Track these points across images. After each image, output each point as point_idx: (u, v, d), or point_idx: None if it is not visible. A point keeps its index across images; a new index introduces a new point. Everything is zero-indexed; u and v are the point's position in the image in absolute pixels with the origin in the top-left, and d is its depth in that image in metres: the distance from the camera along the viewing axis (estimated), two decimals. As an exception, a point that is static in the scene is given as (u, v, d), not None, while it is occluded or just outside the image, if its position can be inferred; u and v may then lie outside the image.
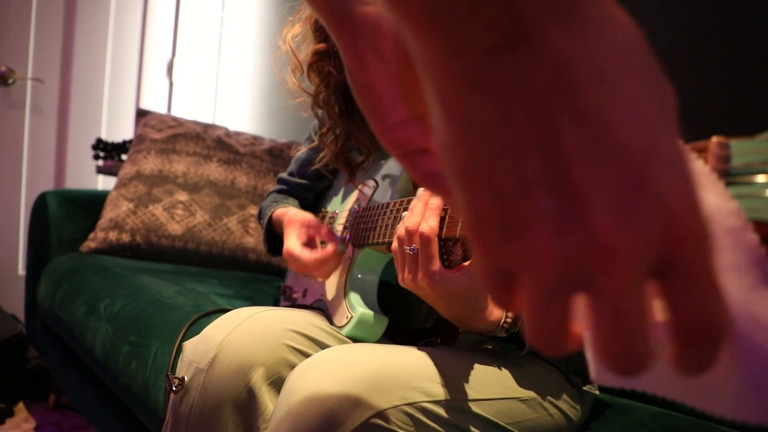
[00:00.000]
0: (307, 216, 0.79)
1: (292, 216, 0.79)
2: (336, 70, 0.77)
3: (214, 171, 1.51)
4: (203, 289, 1.13)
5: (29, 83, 2.01)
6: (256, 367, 0.58)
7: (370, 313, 0.69)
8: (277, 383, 0.59)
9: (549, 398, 0.66)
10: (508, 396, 0.60)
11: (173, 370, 0.81)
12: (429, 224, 0.52)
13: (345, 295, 0.73)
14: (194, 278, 1.24)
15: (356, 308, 0.70)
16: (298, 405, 0.48)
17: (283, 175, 1.03)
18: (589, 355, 0.23)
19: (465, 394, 0.55)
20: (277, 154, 1.63)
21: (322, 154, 0.84)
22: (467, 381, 0.57)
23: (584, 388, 0.71)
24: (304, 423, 0.47)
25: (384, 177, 0.79)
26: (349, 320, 0.68)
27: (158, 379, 0.84)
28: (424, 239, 0.52)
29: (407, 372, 0.52)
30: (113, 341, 0.98)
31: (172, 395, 0.62)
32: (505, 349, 0.64)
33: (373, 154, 0.78)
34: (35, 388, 1.70)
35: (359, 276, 0.74)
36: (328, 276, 0.75)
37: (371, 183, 0.80)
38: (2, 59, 1.94)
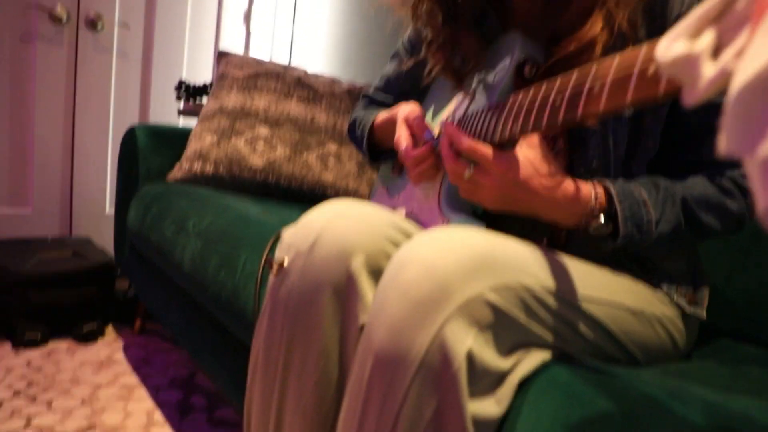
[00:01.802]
0: (410, 108, 0.76)
1: (404, 110, 0.77)
2: None
3: (294, 108, 1.51)
4: (287, 212, 1.14)
5: (116, 29, 2.09)
6: (356, 254, 0.57)
7: (464, 219, 0.66)
8: (376, 273, 0.58)
9: (658, 317, 0.62)
10: (618, 303, 0.57)
11: (265, 275, 0.82)
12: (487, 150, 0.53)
13: (439, 204, 0.71)
14: (277, 204, 1.26)
15: (449, 216, 0.67)
16: (408, 273, 0.46)
17: (369, 91, 1.01)
18: None
19: (576, 290, 0.52)
20: (356, 95, 1.61)
21: (429, 67, 0.80)
22: (579, 279, 0.53)
23: (689, 311, 0.66)
24: (415, 291, 0.45)
25: (481, 87, 0.75)
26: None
27: (247, 285, 0.85)
28: (485, 159, 0.53)
29: (521, 257, 0.49)
30: (202, 254, 1.01)
31: (270, 280, 0.62)
32: (601, 246, 0.60)
33: (481, 60, 0.74)
34: (123, 315, 1.81)
35: (452, 186, 0.71)
36: (421, 179, 0.73)
37: (469, 91, 0.76)
38: (91, 6, 2.01)
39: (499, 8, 0.74)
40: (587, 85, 0.43)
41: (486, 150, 0.53)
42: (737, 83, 0.26)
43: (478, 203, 0.58)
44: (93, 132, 2.10)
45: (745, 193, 0.62)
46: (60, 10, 1.90)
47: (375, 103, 0.99)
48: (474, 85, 0.75)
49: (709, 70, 0.28)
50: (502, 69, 0.66)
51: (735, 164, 0.62)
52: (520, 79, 0.64)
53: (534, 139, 0.53)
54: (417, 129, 0.72)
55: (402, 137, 0.72)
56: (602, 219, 0.56)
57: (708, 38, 0.28)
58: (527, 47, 0.64)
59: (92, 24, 2.01)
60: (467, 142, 0.54)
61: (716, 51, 0.27)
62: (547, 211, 0.57)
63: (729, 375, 0.58)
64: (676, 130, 0.65)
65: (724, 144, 0.25)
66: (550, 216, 0.57)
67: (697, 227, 0.61)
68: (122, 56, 2.13)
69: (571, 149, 0.65)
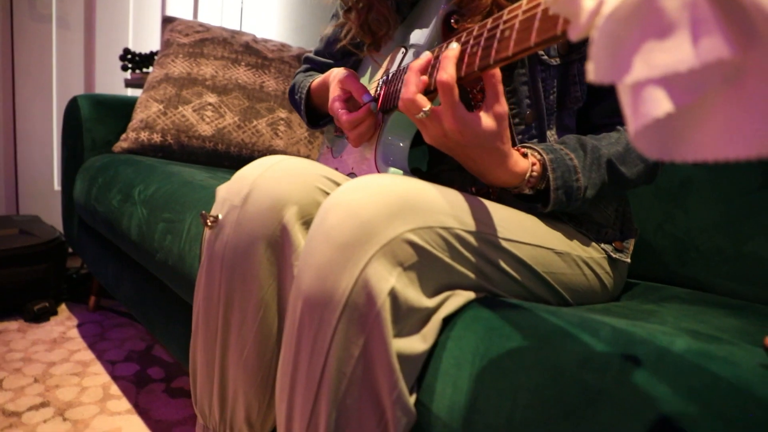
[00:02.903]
0: (343, 71, 0.76)
1: (336, 74, 0.77)
2: None
3: (242, 74, 1.48)
4: (235, 179, 1.13)
5: (55, -5, 1.99)
6: (289, 205, 0.57)
7: (399, 171, 0.67)
8: (309, 223, 0.58)
9: (584, 258, 0.65)
10: (542, 245, 0.59)
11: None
12: (447, 72, 0.51)
13: (375, 159, 0.71)
14: (225, 171, 1.24)
15: (384, 167, 0.68)
16: (333, 218, 0.47)
17: (309, 54, 1.00)
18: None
19: (497, 230, 0.54)
20: (305, 61, 1.59)
21: (346, 29, 0.81)
22: (501, 221, 0.55)
23: (614, 255, 0.69)
24: (339, 234, 0.46)
25: (410, 46, 0.76)
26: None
27: (193, 248, 0.85)
28: (446, 87, 0.50)
29: (443, 200, 0.50)
30: (148, 221, 0.99)
31: (206, 233, 0.62)
32: (531, 209, 0.63)
33: (393, 25, 0.76)
34: (76, 292, 1.77)
35: (390, 139, 0.72)
36: (361, 140, 0.73)
37: (400, 51, 0.77)
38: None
39: None
40: (499, 30, 0.44)
41: (453, 99, 0.51)
42: (603, 13, 0.27)
43: (424, 135, 0.58)
44: (35, 106, 2.01)
45: None
46: (-10, -25, 1.79)
47: (316, 65, 0.98)
48: (409, 41, 0.76)
49: (588, 3, 0.29)
50: (429, 22, 0.67)
51: None
52: (447, 30, 0.65)
53: (502, 108, 0.53)
54: (355, 91, 0.72)
55: (335, 101, 0.73)
56: (530, 189, 0.60)
57: None
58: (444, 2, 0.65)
59: (27, -10, 1.90)
60: (450, 77, 0.51)
61: None
62: (482, 174, 0.59)
63: (649, 311, 0.61)
64: None
65: (592, 72, 0.27)
66: (484, 178, 0.60)
67: (620, 183, 0.64)
68: (62, 25, 2.04)
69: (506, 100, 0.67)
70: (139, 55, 1.86)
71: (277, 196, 0.57)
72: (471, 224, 0.51)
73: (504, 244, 0.54)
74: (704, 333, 0.49)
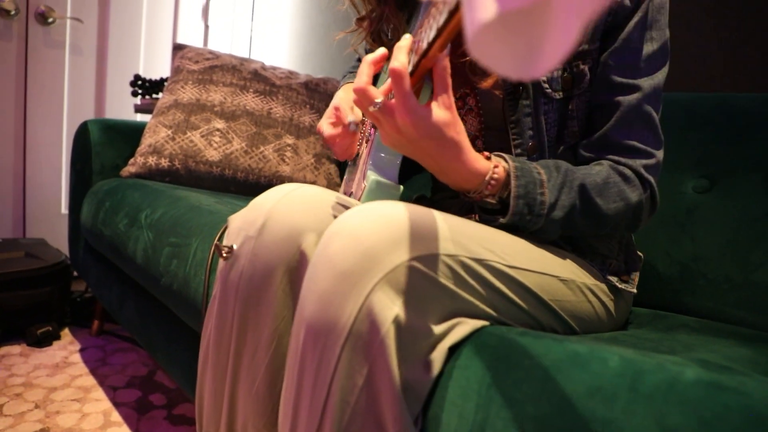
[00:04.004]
0: (338, 97, 0.82)
1: (337, 94, 0.82)
2: None
3: (250, 101, 1.50)
4: (241, 202, 1.13)
5: (68, 22, 2.03)
6: (307, 233, 0.57)
7: (382, 180, 0.66)
8: None
9: (588, 285, 0.64)
10: (547, 272, 0.58)
11: (215, 261, 0.81)
12: (399, 60, 0.49)
13: (364, 173, 0.72)
14: (232, 196, 1.25)
15: (369, 177, 0.68)
16: (335, 245, 0.47)
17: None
18: None
19: (502, 258, 0.53)
20: (313, 88, 1.61)
21: (357, 35, 0.84)
22: (505, 248, 0.55)
23: (619, 285, 0.69)
24: (342, 262, 0.45)
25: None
26: (363, 190, 0.66)
27: (198, 273, 0.85)
28: (396, 76, 0.49)
29: (446, 227, 0.50)
30: (154, 245, 0.99)
31: (220, 264, 0.62)
32: (490, 221, 0.61)
33: (402, 33, 0.77)
34: (80, 316, 1.76)
35: (381, 155, 0.73)
36: (344, 153, 0.78)
37: None
38: (39, 1, 1.96)
39: None
40: (441, 15, 0.43)
41: (404, 89, 0.49)
42: None
43: (381, 134, 0.57)
44: (46, 130, 2.04)
45: (646, 184, 0.64)
46: (8, 3, 1.84)
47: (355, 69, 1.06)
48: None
49: None
50: (417, 20, 0.69)
51: (640, 154, 0.64)
52: None
53: (449, 100, 0.52)
54: (342, 116, 0.77)
55: (323, 122, 0.79)
56: (493, 198, 0.58)
57: None
58: None
59: (43, 17, 1.95)
60: (402, 65, 0.49)
61: None
62: (442, 171, 0.57)
63: (657, 340, 0.60)
64: (591, 113, 0.67)
65: None
66: (445, 176, 0.58)
67: (594, 215, 0.62)
68: (75, 51, 2.08)
69: (507, 131, 0.67)
70: (150, 81, 1.90)
71: (294, 224, 0.57)
72: (475, 251, 0.50)
73: (509, 271, 0.53)
74: (714, 363, 0.48)
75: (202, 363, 0.65)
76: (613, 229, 0.65)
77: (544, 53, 0.24)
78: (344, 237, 0.47)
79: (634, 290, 0.71)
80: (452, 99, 0.52)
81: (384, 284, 0.44)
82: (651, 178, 0.64)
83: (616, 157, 0.64)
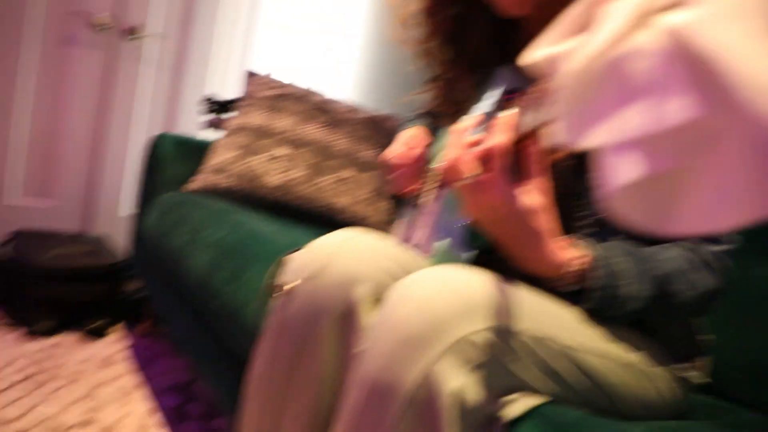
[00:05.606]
0: (412, 132, 0.82)
1: (404, 133, 0.83)
2: (448, 18, 0.78)
3: (314, 131, 1.57)
4: (299, 233, 1.18)
5: (152, 39, 2.18)
6: (362, 282, 0.58)
7: (451, 245, 0.67)
8: (377, 304, 0.59)
9: (649, 372, 0.62)
10: (608, 355, 0.57)
11: (269, 295, 0.85)
12: (504, 136, 0.49)
13: (431, 231, 0.73)
14: (290, 224, 1.30)
15: (438, 241, 0.70)
16: (402, 310, 0.48)
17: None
18: None
19: (564, 339, 0.53)
20: (375, 124, 1.66)
21: (428, 95, 0.86)
22: (569, 328, 0.55)
23: (682, 373, 0.68)
24: (407, 328, 0.47)
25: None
26: (426, 244, 0.68)
27: (251, 301, 0.89)
28: (500, 152, 0.48)
29: (516, 302, 0.51)
30: (212, 266, 1.05)
31: (274, 301, 0.65)
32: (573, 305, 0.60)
33: (472, 100, 0.79)
34: (132, 315, 1.85)
35: (451, 217, 0.74)
36: (401, 184, 0.79)
37: None
38: (130, 16, 2.11)
39: (504, 47, 0.79)
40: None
41: (505, 165, 0.49)
42: (561, 74, 0.27)
43: (465, 206, 0.56)
44: (120, 136, 2.18)
45: (719, 270, 0.62)
46: (100, 18, 2.00)
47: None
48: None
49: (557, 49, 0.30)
50: (491, 98, 0.71)
51: (712, 240, 0.63)
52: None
53: (545, 185, 0.52)
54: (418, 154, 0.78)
55: (391, 151, 0.80)
56: (574, 283, 0.57)
57: (572, 43, 0.29)
58: (515, 79, 0.69)
59: (131, 32, 2.10)
60: (505, 141, 0.48)
61: None
62: (519, 254, 0.56)
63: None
64: None
65: (561, 133, 0.27)
66: (521, 260, 0.57)
67: (670, 302, 0.60)
68: (156, 66, 2.22)
69: (567, 199, 0.68)
70: (219, 101, 2.01)
71: (350, 272, 0.59)
72: (538, 329, 0.51)
73: (571, 353, 0.53)
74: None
75: (248, 394, 0.67)
76: (684, 315, 0.64)
77: (682, 215, 0.24)
78: (412, 303, 0.48)
79: (698, 379, 0.69)
80: (546, 185, 0.52)
81: (449, 354, 0.45)
82: (723, 263, 0.62)
83: (687, 243, 0.62)
